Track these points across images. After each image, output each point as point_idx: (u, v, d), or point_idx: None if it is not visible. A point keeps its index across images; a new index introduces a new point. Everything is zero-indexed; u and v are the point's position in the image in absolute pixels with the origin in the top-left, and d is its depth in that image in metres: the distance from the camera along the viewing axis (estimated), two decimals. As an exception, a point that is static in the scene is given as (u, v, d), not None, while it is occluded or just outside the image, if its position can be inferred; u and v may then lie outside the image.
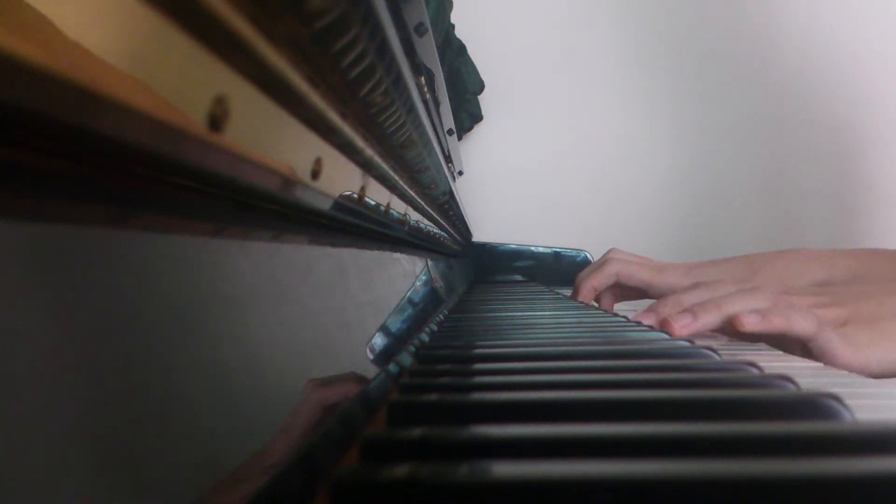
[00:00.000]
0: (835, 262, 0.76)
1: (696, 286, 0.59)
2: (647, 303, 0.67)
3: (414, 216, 0.50)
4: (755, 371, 0.30)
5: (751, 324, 0.52)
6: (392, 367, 0.32)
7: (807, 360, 0.44)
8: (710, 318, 0.54)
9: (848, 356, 0.51)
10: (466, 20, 1.31)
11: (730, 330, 0.54)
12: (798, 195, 1.43)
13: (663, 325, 0.54)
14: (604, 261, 0.80)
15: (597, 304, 0.80)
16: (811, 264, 0.76)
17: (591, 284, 0.78)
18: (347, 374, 0.27)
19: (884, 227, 1.42)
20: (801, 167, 1.43)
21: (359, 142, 0.27)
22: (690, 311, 0.54)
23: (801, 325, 0.51)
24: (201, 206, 0.18)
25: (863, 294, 0.57)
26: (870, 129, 1.43)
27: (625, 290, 0.80)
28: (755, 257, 0.79)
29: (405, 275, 0.53)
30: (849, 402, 0.24)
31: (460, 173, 1.25)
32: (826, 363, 0.52)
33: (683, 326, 0.53)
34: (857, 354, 0.52)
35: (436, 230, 0.67)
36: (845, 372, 0.39)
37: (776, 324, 0.52)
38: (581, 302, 0.78)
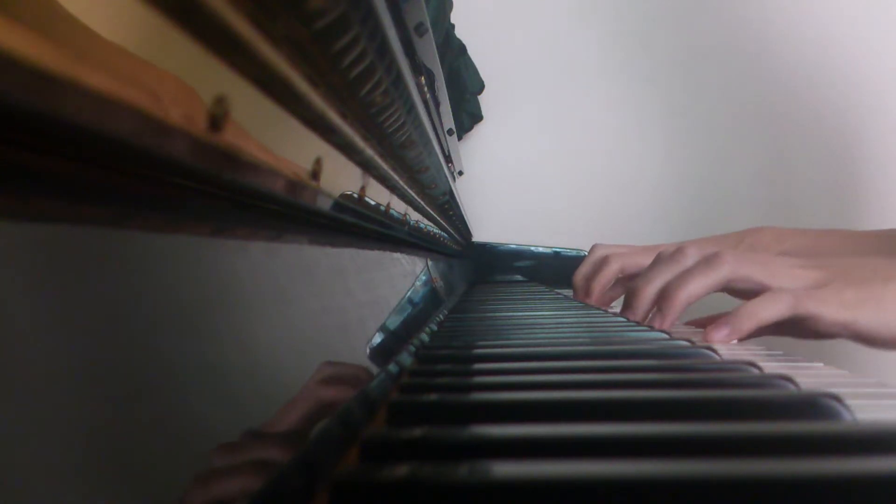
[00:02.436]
0: (785, 238, 0.81)
1: (656, 264, 0.61)
2: None
3: (414, 216, 0.50)
4: (755, 371, 0.30)
5: (720, 338, 0.52)
6: (392, 367, 0.32)
7: (807, 360, 0.44)
8: (677, 308, 0.56)
9: (832, 313, 0.51)
10: (466, 20, 1.31)
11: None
12: (795, 193, 1.43)
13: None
14: (600, 259, 0.80)
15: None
16: (770, 242, 0.81)
17: (601, 285, 0.78)
18: (347, 374, 0.27)
19: (881, 224, 1.42)
20: (798, 163, 1.43)
21: (359, 142, 0.27)
22: (659, 309, 0.57)
23: (774, 310, 0.51)
24: (201, 206, 0.18)
25: (851, 263, 0.56)
26: (868, 125, 1.43)
27: (624, 279, 0.81)
28: (730, 235, 0.84)
29: (405, 275, 0.53)
30: (849, 402, 0.24)
31: (460, 173, 1.25)
32: (814, 329, 0.51)
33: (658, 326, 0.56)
34: (843, 311, 0.51)
35: (436, 230, 0.67)
36: (846, 372, 0.39)
37: (747, 327, 0.51)
38: (585, 302, 0.78)
